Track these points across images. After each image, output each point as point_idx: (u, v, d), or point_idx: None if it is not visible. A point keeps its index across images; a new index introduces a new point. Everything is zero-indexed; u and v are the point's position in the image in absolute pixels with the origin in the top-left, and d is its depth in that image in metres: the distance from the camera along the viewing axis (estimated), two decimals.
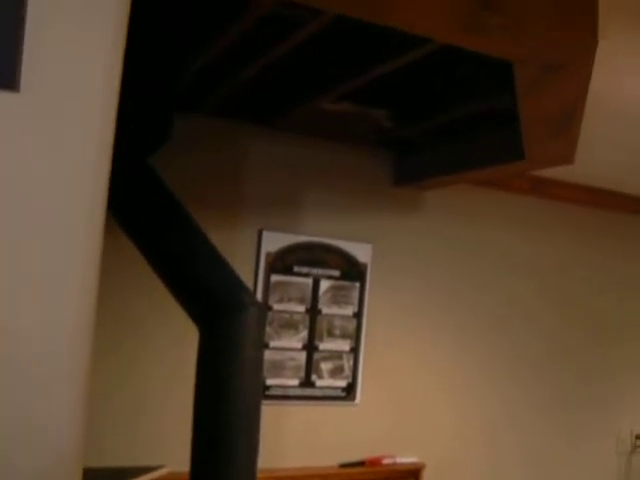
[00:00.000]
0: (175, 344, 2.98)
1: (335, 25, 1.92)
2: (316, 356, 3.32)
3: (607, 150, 3.26)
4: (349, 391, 3.40)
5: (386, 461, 3.44)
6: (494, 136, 2.79)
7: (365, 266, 3.43)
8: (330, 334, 3.35)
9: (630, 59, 2.10)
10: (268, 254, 3.23)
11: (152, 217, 2.40)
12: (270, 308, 3.22)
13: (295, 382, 3.27)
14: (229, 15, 1.98)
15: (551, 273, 4.10)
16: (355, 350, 3.41)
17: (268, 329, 3.18)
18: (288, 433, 3.27)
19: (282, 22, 1.99)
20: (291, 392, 3.26)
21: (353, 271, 3.41)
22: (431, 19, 1.50)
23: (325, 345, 3.34)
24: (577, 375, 4.20)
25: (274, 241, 3.24)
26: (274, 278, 3.23)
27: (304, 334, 3.29)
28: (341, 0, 1.46)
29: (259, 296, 3.17)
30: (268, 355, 3.16)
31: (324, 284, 3.34)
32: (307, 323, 3.30)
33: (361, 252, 3.42)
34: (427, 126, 2.94)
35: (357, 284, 3.42)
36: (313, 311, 3.31)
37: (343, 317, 3.38)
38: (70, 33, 0.95)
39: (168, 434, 2.92)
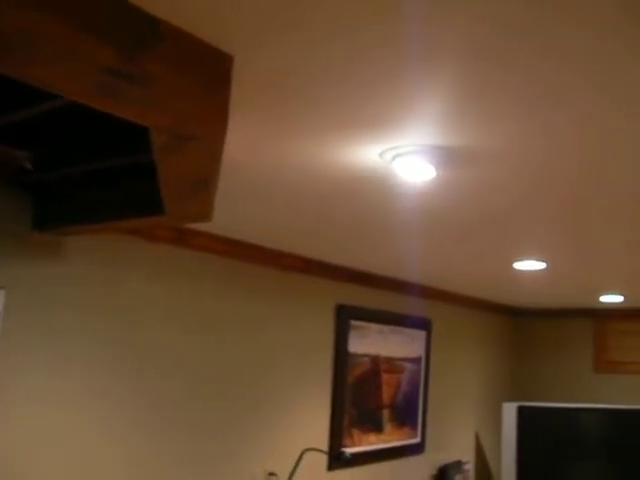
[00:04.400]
0: None
1: None
2: None
3: (243, 206, 3.47)
4: None
5: None
6: (137, 188, 2.81)
7: None
8: None
9: (261, 131, 2.26)
10: None
11: None
12: None
13: None
14: None
15: (192, 320, 4.22)
16: None
17: None
18: None
19: None
20: None
21: None
22: (67, 79, 1.48)
23: None
24: (203, 430, 4.35)
25: None
26: None
27: None
28: None
29: None
30: None
31: None
32: None
33: None
34: (69, 173, 2.87)
35: None
36: None
37: None
38: None
39: None
